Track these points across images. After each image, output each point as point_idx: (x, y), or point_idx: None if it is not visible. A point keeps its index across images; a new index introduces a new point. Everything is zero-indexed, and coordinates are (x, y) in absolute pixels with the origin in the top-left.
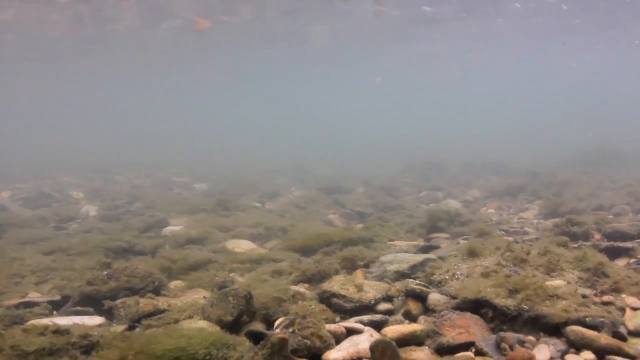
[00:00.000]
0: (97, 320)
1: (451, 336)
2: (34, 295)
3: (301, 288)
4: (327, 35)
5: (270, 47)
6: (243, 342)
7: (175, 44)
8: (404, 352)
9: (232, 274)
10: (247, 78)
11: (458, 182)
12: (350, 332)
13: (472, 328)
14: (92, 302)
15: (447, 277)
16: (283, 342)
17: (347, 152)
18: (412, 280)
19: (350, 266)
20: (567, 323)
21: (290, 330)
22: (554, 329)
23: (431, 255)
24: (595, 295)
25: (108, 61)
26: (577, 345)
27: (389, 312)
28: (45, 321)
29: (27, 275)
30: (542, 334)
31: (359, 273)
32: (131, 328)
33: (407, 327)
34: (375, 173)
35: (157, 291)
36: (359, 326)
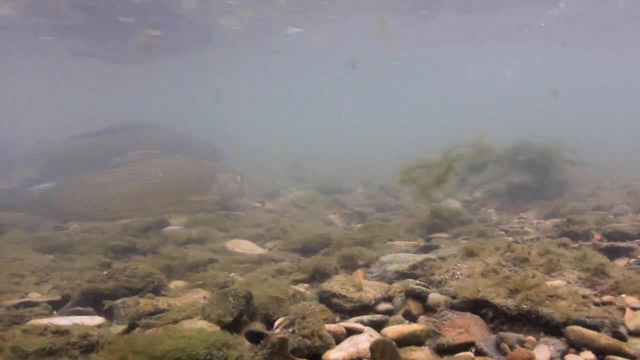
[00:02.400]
0: (97, 320)
1: (451, 336)
2: (34, 295)
3: (301, 288)
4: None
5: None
6: (243, 342)
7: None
8: (404, 352)
9: (232, 274)
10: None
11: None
12: (350, 332)
13: (472, 328)
14: (92, 302)
15: (447, 277)
16: (283, 342)
17: (346, 151)
18: (412, 280)
19: (350, 266)
20: (567, 323)
21: (290, 330)
22: (554, 329)
23: (431, 255)
24: (595, 295)
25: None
26: (577, 345)
27: (389, 312)
28: (45, 321)
29: (27, 275)
30: (542, 334)
31: (359, 273)
32: (131, 328)
33: (407, 327)
34: (375, 173)
35: (157, 291)
36: (359, 326)
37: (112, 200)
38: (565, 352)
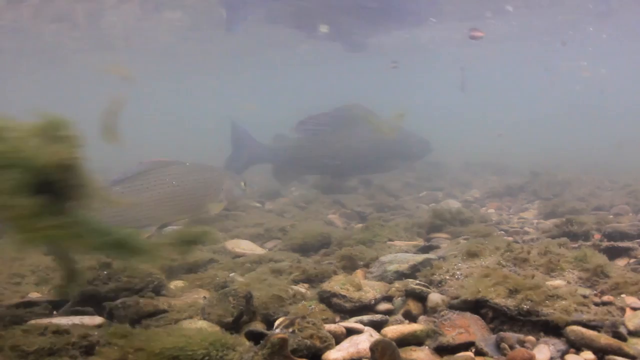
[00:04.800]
0: (97, 320)
1: (451, 336)
2: (34, 295)
3: (301, 288)
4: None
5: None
6: (243, 342)
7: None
8: (404, 352)
9: (232, 274)
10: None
11: (458, 182)
12: (350, 332)
13: (472, 328)
14: (92, 302)
15: (447, 277)
16: (283, 342)
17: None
18: (412, 280)
19: (350, 266)
20: (567, 323)
21: (290, 330)
22: (554, 329)
23: (431, 255)
24: (595, 295)
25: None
26: (577, 345)
27: (389, 312)
28: (45, 321)
29: (27, 275)
30: (542, 334)
31: (359, 273)
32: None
33: (407, 327)
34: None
35: (157, 291)
36: (359, 326)
37: (129, 210)
38: (565, 352)
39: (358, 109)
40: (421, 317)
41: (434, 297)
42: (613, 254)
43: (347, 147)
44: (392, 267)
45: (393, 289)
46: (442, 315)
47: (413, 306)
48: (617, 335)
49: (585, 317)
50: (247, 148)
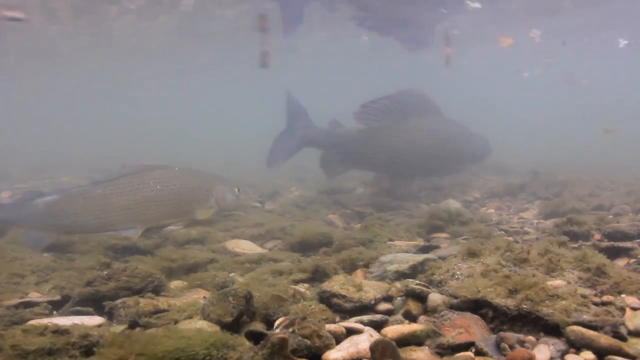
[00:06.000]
0: (97, 320)
1: (451, 336)
2: (34, 295)
3: (301, 288)
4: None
5: None
6: (243, 343)
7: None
8: (404, 352)
9: (232, 274)
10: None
11: (458, 182)
12: (350, 332)
13: (472, 328)
14: (92, 302)
15: (447, 277)
16: (283, 342)
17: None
18: (412, 280)
19: (350, 266)
20: (567, 323)
21: (290, 330)
22: (554, 329)
23: (431, 255)
24: (595, 295)
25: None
26: (577, 345)
27: (389, 312)
28: (45, 321)
29: (27, 275)
30: (542, 334)
31: (359, 273)
32: (131, 328)
33: (407, 327)
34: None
35: (157, 291)
36: (359, 326)
37: (112, 213)
38: (565, 352)
39: (420, 95)
40: (421, 317)
41: (434, 297)
42: (613, 254)
43: (411, 143)
44: (392, 267)
45: (393, 289)
46: (442, 315)
47: (413, 306)
48: (617, 335)
49: (585, 317)
50: (302, 128)
